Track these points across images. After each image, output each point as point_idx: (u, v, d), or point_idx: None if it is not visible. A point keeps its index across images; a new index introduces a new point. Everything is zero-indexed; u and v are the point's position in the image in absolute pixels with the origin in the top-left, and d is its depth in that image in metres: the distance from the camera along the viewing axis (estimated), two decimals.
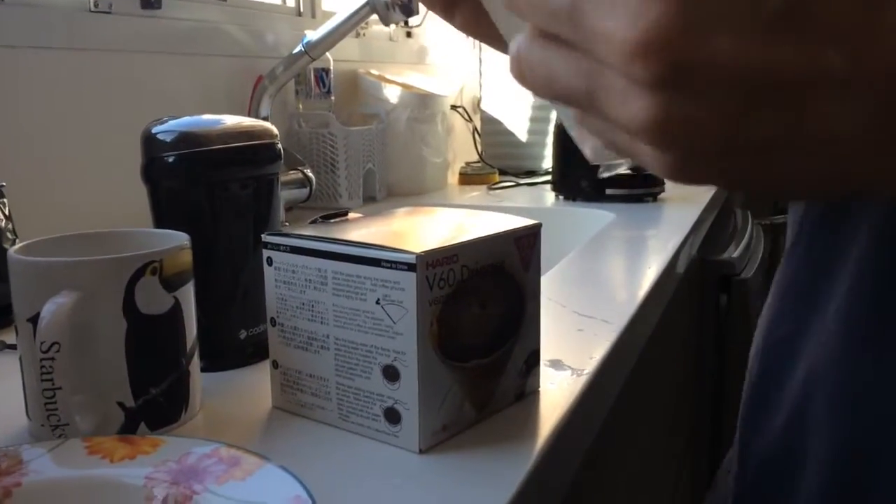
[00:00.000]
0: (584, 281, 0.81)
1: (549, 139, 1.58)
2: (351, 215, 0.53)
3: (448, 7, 0.39)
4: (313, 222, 0.51)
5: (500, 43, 0.33)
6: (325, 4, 1.44)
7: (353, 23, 1.08)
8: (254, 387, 0.53)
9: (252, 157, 0.57)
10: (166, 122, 0.57)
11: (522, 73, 0.24)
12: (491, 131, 1.73)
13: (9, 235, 0.69)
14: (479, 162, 1.69)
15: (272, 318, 0.49)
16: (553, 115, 1.57)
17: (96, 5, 0.91)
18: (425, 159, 1.42)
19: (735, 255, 1.37)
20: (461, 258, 0.43)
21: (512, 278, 0.48)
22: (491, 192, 1.49)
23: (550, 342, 0.59)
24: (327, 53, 1.16)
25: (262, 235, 0.48)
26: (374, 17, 1.10)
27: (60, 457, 0.39)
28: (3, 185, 0.50)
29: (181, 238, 0.48)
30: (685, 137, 0.22)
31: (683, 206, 1.22)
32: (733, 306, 1.35)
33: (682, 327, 1.24)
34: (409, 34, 1.67)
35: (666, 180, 0.23)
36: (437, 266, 0.42)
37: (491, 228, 0.47)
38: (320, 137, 1.25)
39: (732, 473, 0.49)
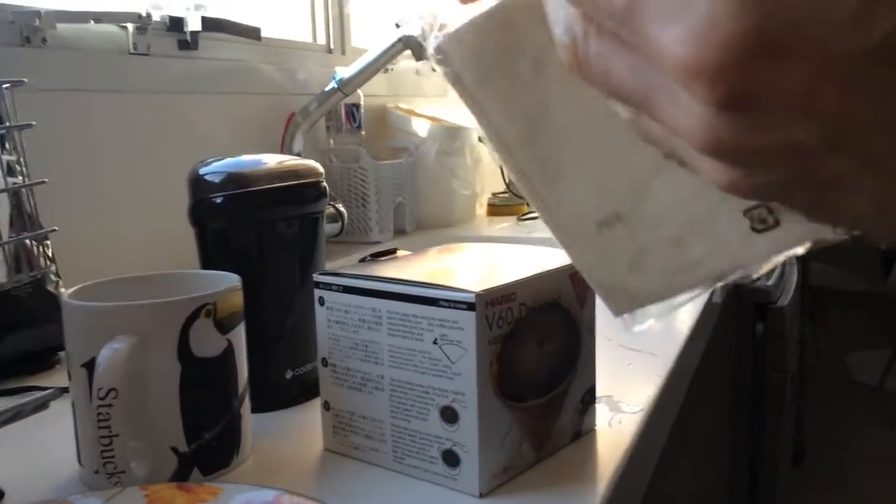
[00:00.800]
0: None
1: None
2: (399, 253, 0.53)
3: None
4: (363, 261, 0.51)
5: None
6: (355, 41, 1.45)
7: (385, 59, 1.09)
8: (302, 428, 0.53)
9: (298, 195, 0.57)
10: (212, 163, 0.57)
11: (578, 64, 0.22)
12: None
13: (52, 278, 0.69)
14: (506, 192, 1.68)
15: (324, 359, 0.48)
16: None
17: (135, 48, 0.92)
18: (454, 191, 1.42)
19: (770, 282, 1.35)
20: (519, 296, 0.43)
21: (568, 314, 0.47)
22: (520, 222, 1.48)
23: (601, 378, 0.57)
24: (358, 89, 1.17)
25: (314, 275, 0.48)
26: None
27: None
28: (54, 230, 0.50)
29: (233, 279, 0.48)
30: (749, 162, 0.20)
31: None
32: (769, 334, 1.33)
33: (721, 356, 1.22)
34: (434, 68, 1.68)
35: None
36: (496, 305, 0.41)
37: (543, 264, 0.47)
38: (351, 172, 1.25)
39: None
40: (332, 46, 1.39)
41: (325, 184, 0.60)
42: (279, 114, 1.17)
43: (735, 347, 1.32)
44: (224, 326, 0.46)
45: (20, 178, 0.50)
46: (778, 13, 0.17)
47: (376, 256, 0.51)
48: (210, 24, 1.01)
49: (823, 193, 0.20)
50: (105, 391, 0.40)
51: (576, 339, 0.48)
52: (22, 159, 0.49)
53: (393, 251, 0.52)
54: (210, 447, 0.46)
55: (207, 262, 0.57)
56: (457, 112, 1.54)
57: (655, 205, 0.27)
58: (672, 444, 0.73)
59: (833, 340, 1.58)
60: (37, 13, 0.80)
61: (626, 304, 0.28)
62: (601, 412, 0.52)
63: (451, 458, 0.43)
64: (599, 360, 0.63)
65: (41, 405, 0.40)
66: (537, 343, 0.44)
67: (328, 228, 1.14)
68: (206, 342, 0.45)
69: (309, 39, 1.38)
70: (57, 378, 0.64)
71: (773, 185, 0.21)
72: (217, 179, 0.55)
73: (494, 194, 1.66)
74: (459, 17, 0.26)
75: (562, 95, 0.26)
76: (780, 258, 0.27)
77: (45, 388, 0.61)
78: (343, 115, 1.25)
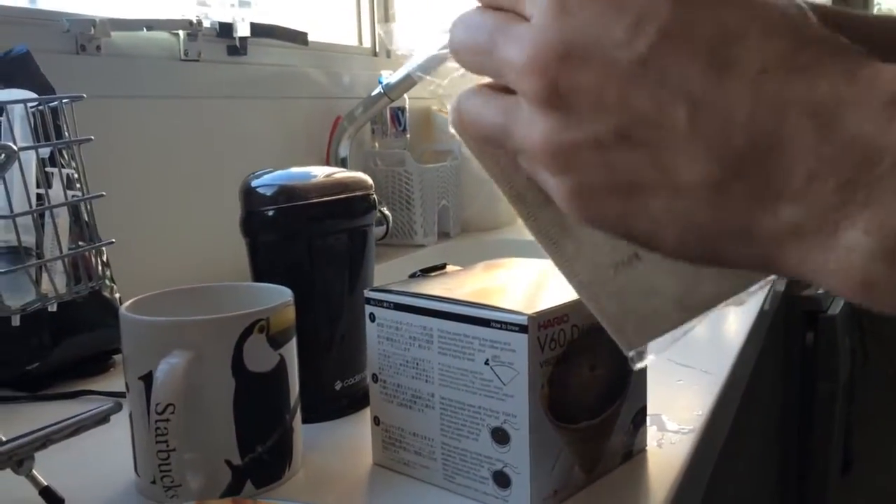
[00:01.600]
0: None
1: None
2: (449, 268, 0.53)
3: None
4: (413, 276, 0.51)
5: None
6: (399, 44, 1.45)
7: (431, 65, 1.09)
8: (352, 441, 0.53)
9: (349, 208, 0.57)
10: (263, 174, 0.58)
11: (458, 120, 0.29)
12: None
13: (107, 283, 0.70)
14: None
15: (374, 375, 0.48)
16: None
17: (186, 54, 0.93)
18: (498, 195, 1.41)
19: (820, 290, 1.32)
20: (571, 318, 0.42)
21: None
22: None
23: (649, 395, 0.57)
24: (404, 94, 1.17)
25: (365, 291, 0.48)
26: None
27: None
28: (112, 242, 0.51)
29: (286, 294, 0.48)
30: (573, 163, 0.25)
31: None
32: (820, 344, 1.31)
33: (770, 366, 1.20)
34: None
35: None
36: (549, 327, 0.41)
37: None
38: (396, 175, 1.25)
39: None
40: (377, 49, 1.40)
41: (374, 196, 0.60)
42: (325, 117, 1.18)
43: (784, 357, 1.29)
44: (277, 342, 0.46)
45: (79, 190, 0.51)
46: (577, 29, 0.24)
47: (426, 272, 0.51)
48: (259, 29, 1.03)
49: (632, 198, 0.25)
50: (163, 406, 0.41)
51: (627, 360, 0.47)
52: (81, 171, 0.50)
53: (442, 266, 0.52)
54: (263, 460, 0.46)
55: (258, 273, 0.57)
56: None
57: None
58: (722, 458, 0.72)
59: (884, 349, 1.55)
60: (92, 22, 0.82)
61: (635, 336, 0.31)
62: (651, 432, 0.51)
63: (501, 479, 0.43)
64: (649, 376, 0.62)
65: (102, 419, 0.41)
66: (589, 365, 0.44)
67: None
68: (260, 357, 0.45)
69: (354, 42, 1.38)
70: (112, 382, 0.65)
71: (595, 192, 0.26)
72: (269, 192, 0.56)
73: None
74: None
75: None
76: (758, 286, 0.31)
77: (101, 393, 0.63)
78: (388, 118, 1.25)
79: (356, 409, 0.58)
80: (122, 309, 0.46)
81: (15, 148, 0.40)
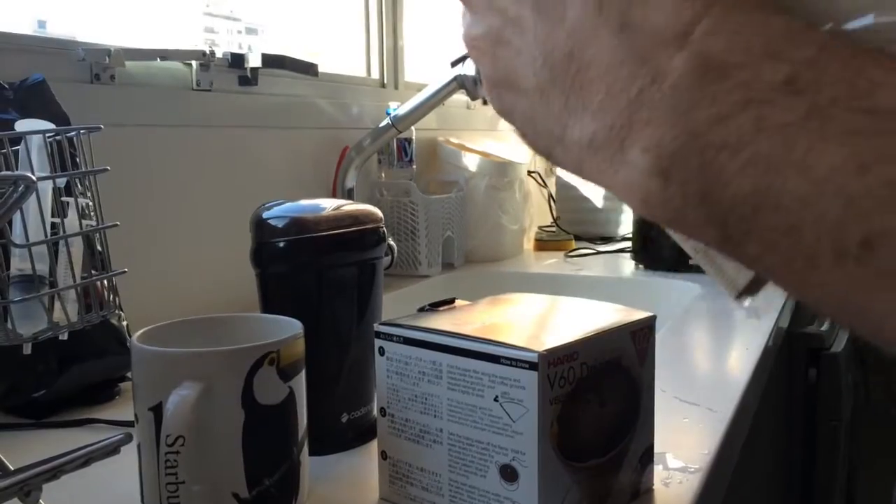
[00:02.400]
0: (681, 363, 0.79)
1: (626, 205, 1.57)
2: (458, 303, 0.53)
3: None
4: (422, 310, 0.51)
5: None
6: (408, 76, 1.47)
7: (440, 97, 1.10)
8: (358, 474, 0.53)
9: (359, 241, 0.58)
10: (274, 206, 0.59)
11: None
12: (566, 196, 1.73)
13: (115, 311, 0.71)
14: (552, 227, 1.68)
15: (382, 409, 0.49)
16: None
17: (198, 84, 0.94)
18: (503, 226, 1.42)
19: (824, 327, 1.32)
20: (581, 355, 0.43)
21: (629, 373, 0.46)
22: (568, 259, 1.48)
23: (656, 434, 0.57)
24: (411, 126, 1.18)
25: (375, 325, 0.49)
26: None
27: None
28: (124, 272, 0.51)
29: (296, 326, 0.49)
30: (479, 56, 0.30)
31: None
32: (823, 381, 1.30)
33: (774, 404, 1.19)
34: (485, 101, 1.69)
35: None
36: (559, 364, 0.41)
37: (601, 321, 0.46)
38: (402, 206, 1.26)
39: None
40: (385, 81, 1.41)
41: (384, 229, 0.60)
42: (333, 147, 1.19)
43: (787, 394, 1.29)
44: (286, 374, 0.46)
45: (93, 219, 0.52)
46: None
47: (435, 306, 0.52)
48: (270, 60, 1.04)
49: (510, 93, 0.29)
50: (173, 438, 0.41)
51: (636, 398, 0.48)
52: (96, 201, 0.51)
53: (451, 300, 0.53)
54: (270, 493, 0.46)
55: (267, 303, 0.58)
56: (506, 147, 1.55)
57: None
58: (728, 496, 0.72)
59: (887, 387, 1.54)
60: (107, 51, 0.83)
61: (744, 279, 0.32)
62: (657, 471, 0.51)
63: None
64: (655, 415, 0.62)
65: (112, 450, 0.41)
66: (598, 402, 0.44)
67: None
68: (269, 390, 0.46)
69: (363, 74, 1.40)
70: (118, 410, 0.65)
71: (493, 83, 0.30)
72: (280, 224, 0.56)
73: (542, 228, 1.66)
74: None
75: None
76: None
77: (108, 421, 0.63)
78: (395, 149, 1.26)
79: (362, 441, 0.58)
80: (134, 339, 0.47)
81: (34, 178, 0.41)
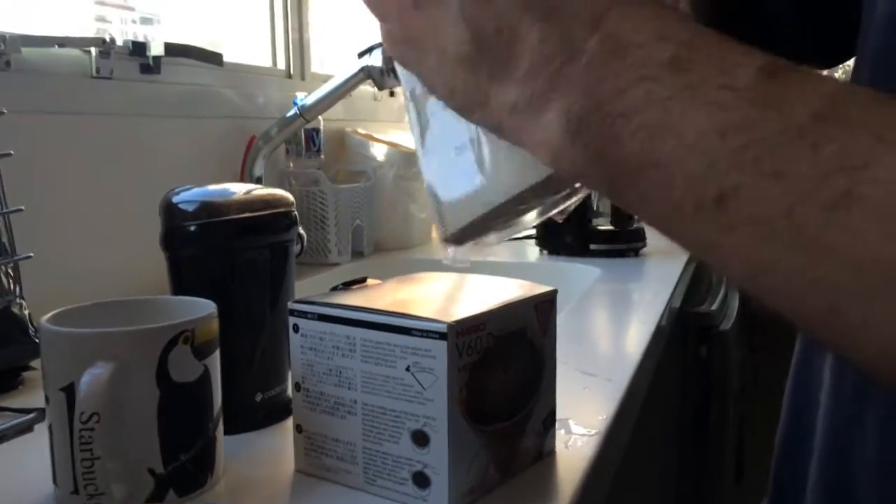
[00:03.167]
0: (582, 338, 0.83)
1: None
2: (370, 282, 0.55)
3: None
4: (335, 289, 0.53)
5: None
6: (314, 67, 1.47)
7: (347, 87, 1.11)
8: (273, 450, 0.54)
9: (271, 224, 0.59)
10: (183, 191, 0.59)
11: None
12: None
13: (17, 300, 0.69)
14: None
15: (297, 384, 0.50)
16: None
17: (98, 71, 0.93)
18: (412, 215, 1.45)
19: (713, 307, 1.41)
20: (488, 326, 0.45)
21: (532, 343, 0.50)
22: (475, 246, 1.51)
23: (559, 401, 0.60)
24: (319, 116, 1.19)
25: (290, 303, 0.50)
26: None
27: None
28: (30, 256, 0.51)
29: (210, 307, 0.49)
30: (384, 15, 0.34)
31: (665, 261, 1.26)
32: (713, 357, 1.38)
33: (668, 379, 1.26)
34: (392, 93, 1.71)
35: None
36: (466, 334, 0.44)
37: (506, 295, 0.49)
38: (311, 195, 1.27)
39: None
40: (291, 71, 1.41)
41: (295, 213, 0.62)
42: (239, 137, 1.18)
43: (681, 369, 1.37)
44: (201, 353, 0.47)
45: None
46: None
47: (348, 285, 0.53)
48: (174, 49, 1.03)
49: (419, 50, 0.33)
50: (87, 415, 0.41)
51: (538, 366, 0.51)
52: (0, 186, 0.50)
53: (363, 280, 0.55)
54: (185, 469, 0.47)
55: (179, 287, 0.58)
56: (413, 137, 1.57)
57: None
58: (625, 462, 0.77)
59: (772, 365, 1.65)
60: (2, 37, 0.80)
61: (449, 221, 0.40)
62: (559, 435, 0.55)
63: (421, 480, 0.45)
64: (557, 384, 0.66)
65: (26, 428, 0.41)
66: (503, 370, 0.47)
67: None
68: (184, 368, 0.46)
69: (269, 64, 1.39)
70: (23, 399, 0.64)
71: (397, 40, 0.34)
72: (190, 208, 0.57)
73: None
74: None
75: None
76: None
77: (13, 409, 0.61)
78: (303, 139, 1.26)
79: (276, 420, 0.59)
80: (43, 321, 0.46)
81: None
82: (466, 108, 0.33)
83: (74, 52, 0.91)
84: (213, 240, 0.57)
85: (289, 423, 0.52)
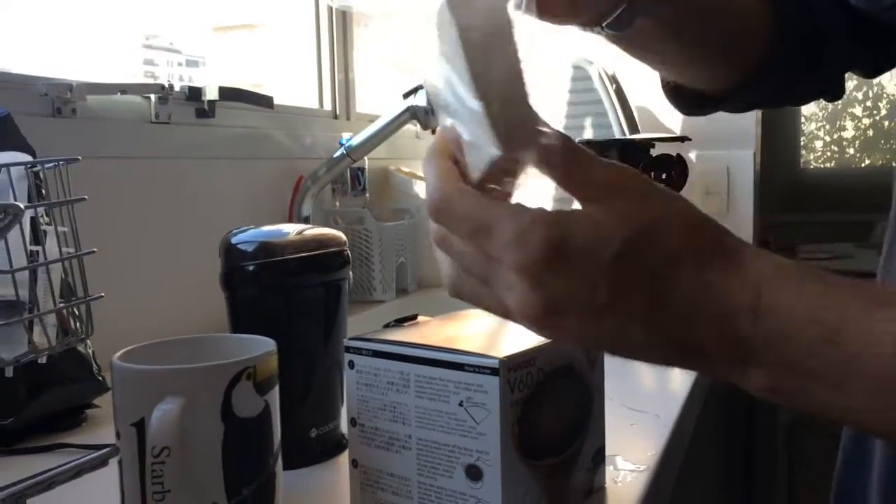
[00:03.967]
0: (626, 373, 0.84)
1: None
2: (420, 318, 0.56)
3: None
4: (387, 326, 0.55)
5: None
6: (360, 107, 1.51)
7: (392, 128, 1.14)
8: (328, 485, 0.56)
9: (325, 263, 0.61)
10: (240, 232, 0.61)
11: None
12: None
13: (88, 337, 0.72)
14: None
15: (353, 419, 0.52)
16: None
17: (157, 117, 0.97)
18: None
19: None
20: (538, 362, 0.47)
21: (580, 378, 0.51)
22: None
23: (607, 438, 0.61)
24: (365, 156, 1.22)
25: (345, 340, 0.52)
26: None
27: None
28: (101, 296, 0.54)
29: (269, 344, 0.51)
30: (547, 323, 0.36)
31: None
32: None
33: (715, 412, 1.25)
34: (433, 131, 1.74)
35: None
36: (518, 370, 0.45)
37: None
38: (356, 233, 1.29)
39: None
40: (337, 112, 1.45)
41: (348, 252, 0.64)
42: (288, 177, 1.22)
43: (727, 402, 1.35)
44: (262, 388, 0.49)
45: (70, 246, 0.54)
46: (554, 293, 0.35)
47: (400, 322, 0.55)
48: (227, 93, 1.07)
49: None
50: (159, 449, 0.43)
51: (587, 401, 0.52)
52: (73, 229, 0.53)
53: (414, 317, 0.56)
54: (247, 503, 0.49)
55: (238, 325, 0.60)
56: None
57: None
58: (674, 496, 0.76)
59: None
60: (69, 86, 0.85)
61: None
62: (608, 471, 0.55)
63: None
64: (605, 420, 0.66)
65: (102, 462, 0.43)
66: (554, 405, 0.48)
67: None
68: (247, 403, 0.48)
69: (315, 105, 1.44)
70: (86, 435, 0.67)
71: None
72: (249, 248, 0.59)
73: None
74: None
75: None
76: None
77: (78, 446, 0.64)
78: (349, 178, 1.30)
79: (331, 455, 0.61)
80: (115, 358, 0.49)
81: (22, 207, 0.43)
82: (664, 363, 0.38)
83: (135, 98, 0.96)
84: (270, 279, 0.59)
85: (343, 458, 0.54)
